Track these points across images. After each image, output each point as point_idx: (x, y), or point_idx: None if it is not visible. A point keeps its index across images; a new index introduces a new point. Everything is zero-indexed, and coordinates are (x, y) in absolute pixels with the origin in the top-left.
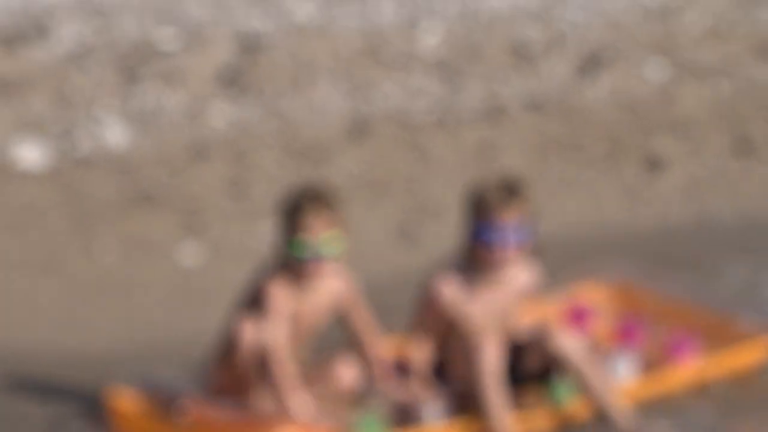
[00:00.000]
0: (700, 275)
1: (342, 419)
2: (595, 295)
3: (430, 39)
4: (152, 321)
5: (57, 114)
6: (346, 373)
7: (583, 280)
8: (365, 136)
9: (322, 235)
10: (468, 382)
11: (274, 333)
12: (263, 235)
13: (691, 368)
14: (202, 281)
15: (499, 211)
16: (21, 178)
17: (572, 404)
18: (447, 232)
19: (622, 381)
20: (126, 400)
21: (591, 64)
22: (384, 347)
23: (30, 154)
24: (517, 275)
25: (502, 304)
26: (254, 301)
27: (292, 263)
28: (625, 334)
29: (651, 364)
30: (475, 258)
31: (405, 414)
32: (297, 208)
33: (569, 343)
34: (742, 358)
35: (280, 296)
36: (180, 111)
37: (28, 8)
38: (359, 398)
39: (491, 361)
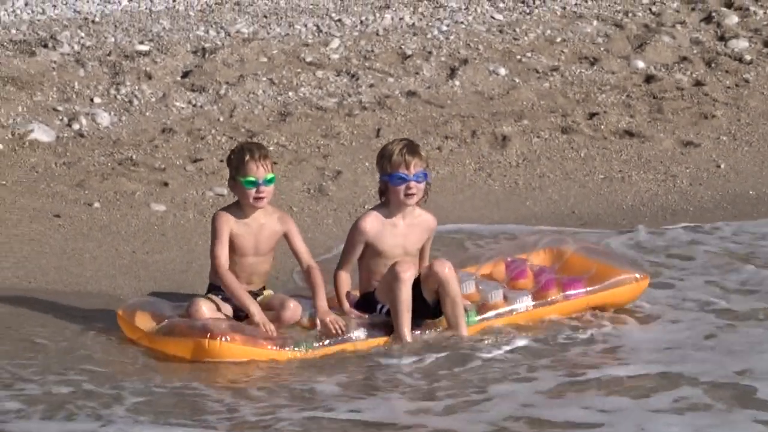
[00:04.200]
0: None
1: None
2: (533, 256)
3: (336, 46)
4: (135, 252)
5: (60, 100)
6: (294, 310)
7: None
8: (288, 118)
9: (266, 174)
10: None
11: (216, 253)
12: (213, 189)
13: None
14: (169, 223)
15: (408, 163)
16: (32, 147)
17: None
18: (348, 188)
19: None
20: (133, 317)
21: (454, 64)
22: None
23: (40, 130)
24: (421, 215)
25: (409, 234)
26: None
27: (243, 194)
28: (520, 275)
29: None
30: (390, 198)
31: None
32: (250, 157)
33: (448, 269)
34: (615, 298)
35: (224, 225)
36: (152, 99)
37: (35, 20)
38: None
39: (406, 290)
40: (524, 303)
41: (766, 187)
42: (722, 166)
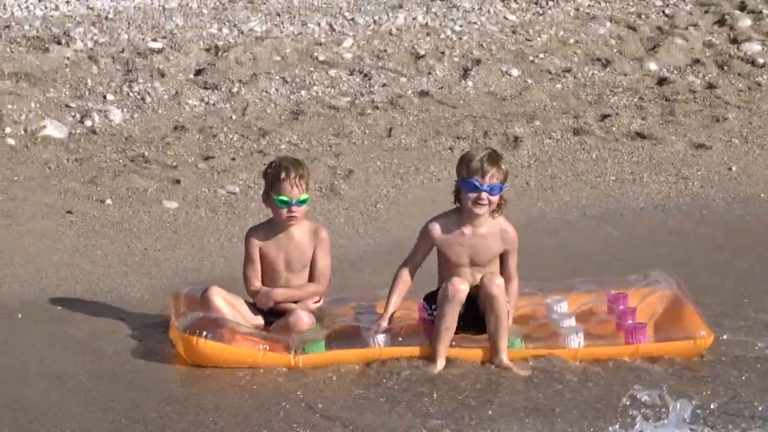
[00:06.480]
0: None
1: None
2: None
3: (349, 45)
4: (146, 250)
5: (73, 97)
6: (300, 317)
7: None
8: (300, 117)
9: (300, 195)
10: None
11: (246, 275)
12: (225, 187)
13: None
14: (181, 221)
15: (485, 172)
16: (45, 143)
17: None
18: (360, 187)
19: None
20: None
21: (467, 65)
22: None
23: (52, 126)
24: (496, 225)
25: (476, 244)
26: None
27: (276, 211)
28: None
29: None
30: (461, 204)
31: (351, 339)
32: (285, 176)
33: (497, 285)
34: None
35: (251, 247)
36: (164, 97)
37: (48, 16)
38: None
39: (451, 310)
40: (576, 341)
41: None
42: (734, 168)
